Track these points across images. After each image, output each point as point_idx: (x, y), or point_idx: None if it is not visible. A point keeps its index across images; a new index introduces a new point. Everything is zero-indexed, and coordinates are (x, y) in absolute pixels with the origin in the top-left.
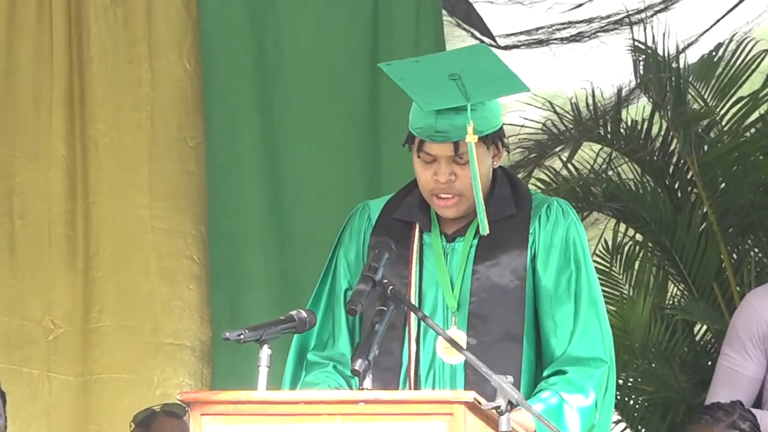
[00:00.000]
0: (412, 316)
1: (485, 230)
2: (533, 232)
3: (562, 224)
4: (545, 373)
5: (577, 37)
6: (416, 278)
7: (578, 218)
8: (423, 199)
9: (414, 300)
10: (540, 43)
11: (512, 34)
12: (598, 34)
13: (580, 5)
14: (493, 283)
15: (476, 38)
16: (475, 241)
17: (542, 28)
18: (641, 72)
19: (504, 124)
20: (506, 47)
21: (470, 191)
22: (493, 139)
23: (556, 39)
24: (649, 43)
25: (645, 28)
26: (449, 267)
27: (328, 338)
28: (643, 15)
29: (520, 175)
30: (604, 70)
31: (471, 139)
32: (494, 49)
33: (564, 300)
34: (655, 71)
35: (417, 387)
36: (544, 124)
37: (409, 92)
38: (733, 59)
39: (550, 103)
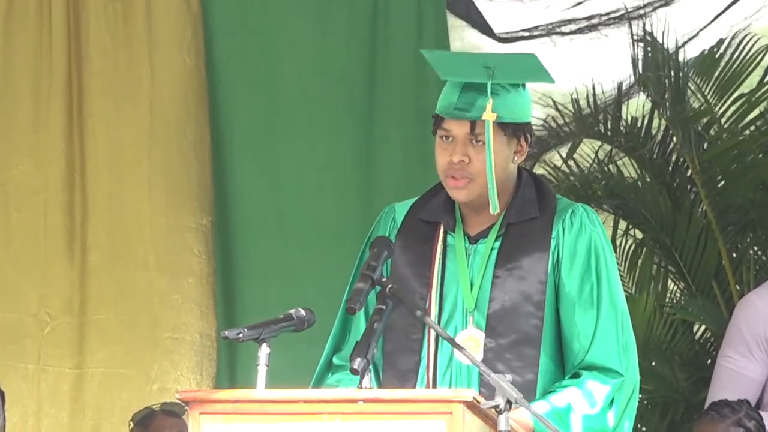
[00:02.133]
0: (433, 314)
1: (495, 209)
2: (556, 236)
3: (588, 230)
4: (565, 378)
5: (577, 32)
6: (438, 278)
7: (603, 226)
8: (448, 200)
9: (435, 299)
10: (539, 37)
11: (511, 32)
12: (599, 27)
13: (579, 3)
14: (513, 286)
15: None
16: (497, 244)
17: (541, 26)
18: (640, 71)
19: None
20: (505, 40)
21: (482, 176)
22: (515, 132)
23: (556, 33)
24: (649, 40)
25: (644, 25)
26: (470, 268)
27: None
28: (642, 11)
29: None
30: (604, 65)
31: (488, 117)
32: (493, 43)
33: (587, 306)
34: (654, 69)
35: (434, 386)
36: (544, 120)
37: (435, 67)
38: (734, 56)
39: (553, 101)
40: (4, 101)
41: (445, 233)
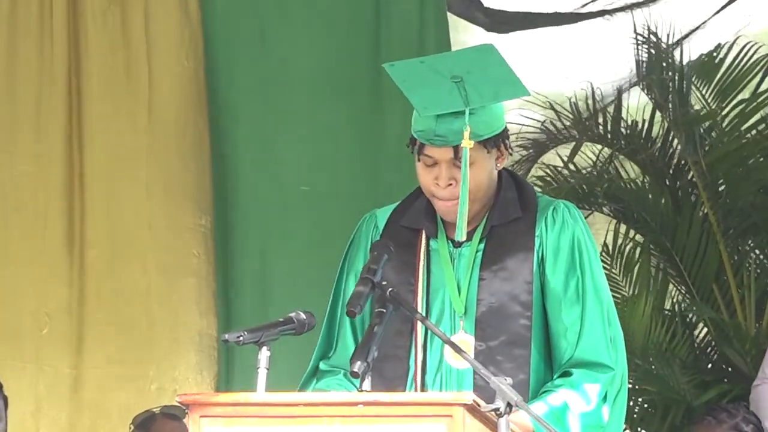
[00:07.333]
0: (419, 321)
1: (461, 236)
2: (539, 234)
3: (570, 226)
4: (554, 376)
5: (581, 19)
6: (423, 284)
7: (585, 221)
8: (429, 205)
9: (421, 305)
10: (542, 27)
11: (511, 11)
12: (603, 15)
13: (585, 5)
14: (500, 288)
15: (478, 21)
16: (482, 246)
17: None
18: (644, 71)
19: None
20: (505, 24)
21: (472, 195)
22: (495, 142)
23: (559, 23)
24: (653, 41)
25: (648, 27)
26: (456, 272)
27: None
28: (645, 7)
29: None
30: (604, 67)
31: (466, 144)
32: (493, 37)
33: (573, 303)
34: (658, 71)
35: (424, 392)
36: (543, 124)
37: (408, 96)
38: (734, 61)
39: (551, 104)
40: (6, 103)
41: (428, 239)
